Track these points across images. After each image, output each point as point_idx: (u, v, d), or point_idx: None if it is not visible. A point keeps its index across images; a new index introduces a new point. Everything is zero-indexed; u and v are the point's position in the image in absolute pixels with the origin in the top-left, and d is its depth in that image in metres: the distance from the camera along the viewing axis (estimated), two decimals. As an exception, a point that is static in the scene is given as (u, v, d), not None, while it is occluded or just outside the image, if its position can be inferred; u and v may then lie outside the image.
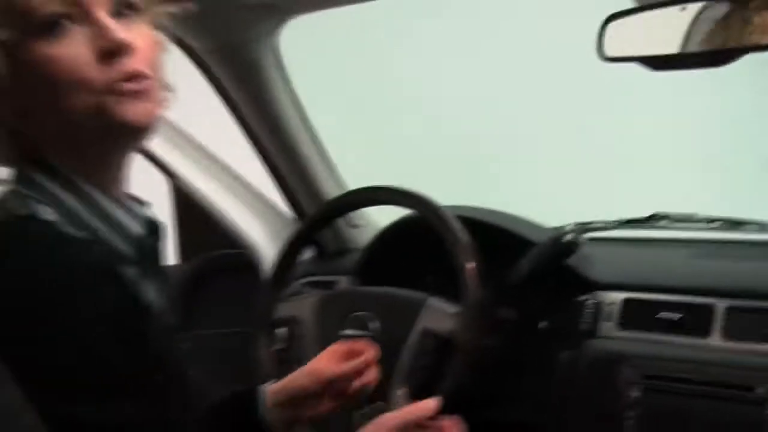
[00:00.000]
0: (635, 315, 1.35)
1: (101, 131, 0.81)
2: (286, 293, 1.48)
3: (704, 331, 1.28)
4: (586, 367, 1.34)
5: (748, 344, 1.23)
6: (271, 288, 1.46)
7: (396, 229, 1.61)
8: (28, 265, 0.77)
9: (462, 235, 1.29)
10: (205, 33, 1.47)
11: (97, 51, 0.79)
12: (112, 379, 0.76)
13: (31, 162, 0.84)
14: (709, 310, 1.29)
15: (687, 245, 1.64)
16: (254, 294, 1.54)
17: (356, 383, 1.13)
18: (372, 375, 1.14)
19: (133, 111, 0.80)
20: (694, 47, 1.13)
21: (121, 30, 0.79)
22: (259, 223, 1.89)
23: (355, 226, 1.84)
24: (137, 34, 0.82)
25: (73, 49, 0.78)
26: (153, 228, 0.89)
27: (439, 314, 1.28)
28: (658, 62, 1.18)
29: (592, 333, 1.36)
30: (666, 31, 1.14)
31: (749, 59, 1.08)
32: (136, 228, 0.86)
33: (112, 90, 0.79)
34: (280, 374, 1.17)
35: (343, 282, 1.65)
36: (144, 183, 0.96)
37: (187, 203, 1.94)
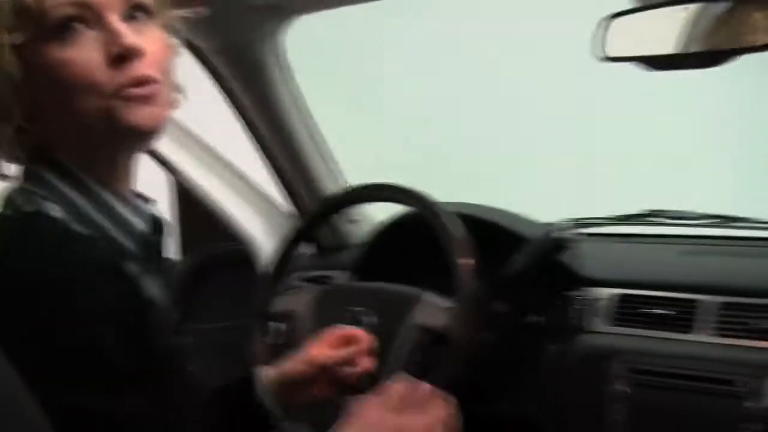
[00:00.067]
0: (625, 311, 1.37)
1: (109, 134, 0.82)
2: (283, 288, 1.51)
3: (691, 327, 1.30)
4: (577, 361, 1.36)
5: (733, 340, 1.26)
6: (269, 282, 1.48)
7: (392, 225, 1.63)
8: (34, 261, 0.78)
9: (457, 231, 1.31)
10: (211, 34, 1.49)
11: (108, 55, 0.80)
12: (117, 373, 0.77)
13: (39, 160, 0.85)
14: (696, 306, 1.31)
15: (678, 242, 1.66)
16: (253, 288, 1.57)
17: (351, 370, 1.15)
18: (367, 363, 1.15)
19: (140, 115, 0.81)
20: (693, 47, 1.14)
21: (131, 34, 0.81)
22: (259, 219, 1.91)
23: (352, 222, 1.86)
24: (148, 38, 0.83)
25: (85, 53, 0.80)
26: (157, 225, 0.90)
27: (434, 309, 1.30)
28: (657, 62, 1.19)
29: (582, 328, 1.39)
30: (665, 30, 1.15)
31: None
32: (140, 225, 0.87)
33: (120, 95, 0.80)
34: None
35: (340, 277, 1.67)
36: (145, 178, 0.98)
37: (187, 198, 1.96)
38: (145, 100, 0.81)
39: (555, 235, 1.39)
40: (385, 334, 1.28)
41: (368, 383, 1.17)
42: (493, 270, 1.41)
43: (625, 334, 1.35)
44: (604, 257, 1.54)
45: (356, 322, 1.33)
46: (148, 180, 0.95)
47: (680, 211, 1.70)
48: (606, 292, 1.41)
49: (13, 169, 0.87)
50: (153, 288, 0.90)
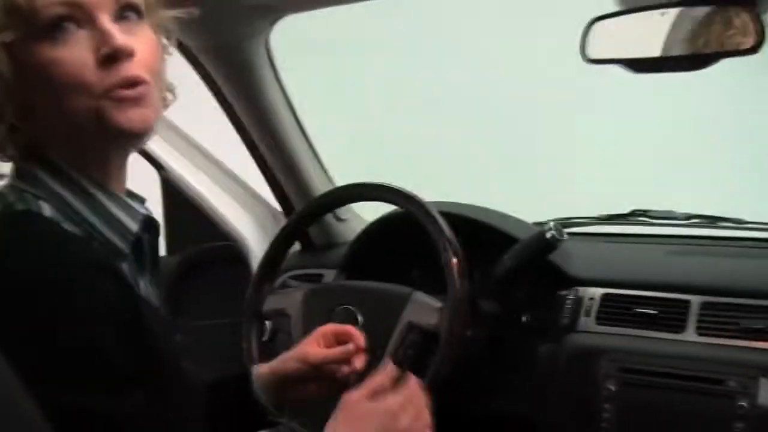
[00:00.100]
0: (613, 310, 1.38)
1: (99, 134, 0.82)
2: (274, 286, 1.51)
3: (679, 326, 1.31)
4: (566, 360, 1.37)
5: (721, 339, 1.27)
6: (259, 280, 1.48)
7: (382, 224, 1.63)
8: (25, 261, 0.78)
9: (447, 231, 1.31)
10: (199, 32, 1.49)
11: (98, 56, 0.80)
12: (116, 373, 0.78)
13: (31, 157, 0.85)
14: (684, 305, 1.32)
15: (665, 241, 1.67)
16: (242, 286, 1.57)
17: (345, 369, 1.15)
18: (360, 361, 1.15)
19: (129, 117, 0.81)
20: (674, 51, 1.16)
21: (121, 35, 0.81)
22: (248, 217, 1.91)
23: (341, 220, 1.86)
24: (139, 38, 0.83)
25: (75, 53, 0.80)
26: (149, 225, 0.90)
27: (424, 308, 1.30)
28: (639, 65, 1.20)
29: (571, 327, 1.39)
30: (648, 34, 1.17)
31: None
32: (132, 225, 0.87)
33: (110, 95, 0.81)
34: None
35: (330, 276, 1.67)
36: (134, 175, 0.98)
37: (176, 195, 1.95)
38: (135, 101, 0.82)
39: (543, 235, 1.39)
40: (375, 333, 1.28)
41: (360, 381, 1.17)
42: (483, 269, 1.42)
43: (614, 333, 1.36)
44: (592, 257, 1.55)
45: (347, 321, 1.33)
46: (136, 177, 0.94)
47: (665, 211, 1.72)
48: (594, 291, 1.41)
49: (5, 167, 0.87)
50: (146, 287, 0.90)
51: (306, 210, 1.56)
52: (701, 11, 1.15)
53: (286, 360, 1.15)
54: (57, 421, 0.71)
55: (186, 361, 0.92)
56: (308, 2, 1.47)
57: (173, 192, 1.96)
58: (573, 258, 1.49)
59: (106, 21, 0.81)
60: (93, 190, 0.85)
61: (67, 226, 0.83)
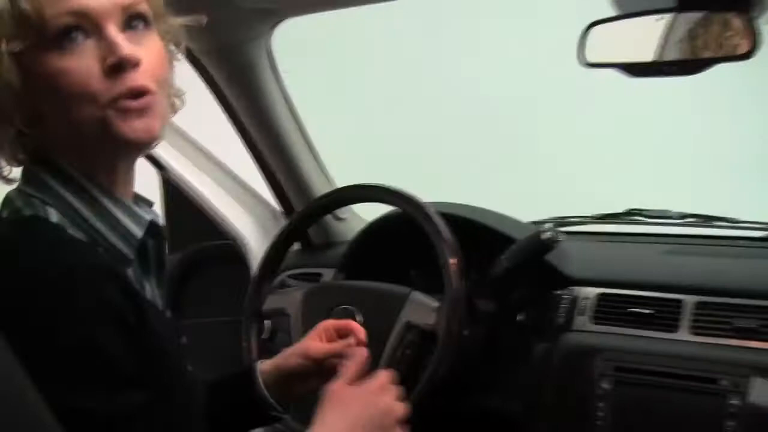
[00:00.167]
0: (608, 309, 1.39)
1: (105, 142, 0.84)
2: (274, 285, 1.52)
3: (673, 325, 1.32)
4: (561, 359, 1.38)
5: (714, 339, 1.28)
6: (259, 280, 1.50)
7: (381, 224, 1.64)
8: (31, 265, 0.79)
9: (445, 231, 1.33)
10: (201, 35, 1.50)
11: (104, 65, 0.81)
12: (118, 374, 0.79)
13: (40, 162, 0.86)
14: (678, 305, 1.34)
15: (660, 240, 1.69)
16: (241, 285, 1.58)
17: (346, 362, 1.16)
18: (362, 355, 1.15)
19: (133, 128, 0.83)
20: (672, 53, 1.18)
21: (128, 45, 0.82)
22: (248, 216, 1.93)
23: (340, 219, 1.88)
24: (146, 48, 0.84)
25: (83, 62, 0.81)
26: (155, 230, 0.91)
27: (422, 308, 1.32)
28: (635, 69, 1.22)
29: (567, 326, 1.40)
30: (644, 39, 1.18)
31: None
32: (137, 231, 0.88)
33: (116, 105, 0.82)
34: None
35: (329, 275, 1.68)
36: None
37: (176, 195, 1.97)
38: (140, 112, 0.83)
39: (540, 236, 1.40)
40: (374, 332, 1.28)
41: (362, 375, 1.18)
42: (479, 269, 1.43)
43: (609, 332, 1.37)
44: (587, 257, 1.56)
45: (348, 318, 1.34)
46: (136, 176, 0.95)
47: (660, 210, 1.74)
48: (589, 291, 1.43)
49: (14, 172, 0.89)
50: (153, 291, 0.91)
51: (305, 211, 1.58)
52: (694, 20, 1.16)
53: (289, 356, 1.16)
54: (62, 418, 0.72)
55: (186, 359, 0.94)
56: (309, 6, 1.49)
57: (174, 191, 1.97)
58: (569, 258, 1.50)
59: (113, 31, 0.82)
60: (99, 196, 0.86)
61: (73, 232, 0.84)
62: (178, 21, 0.92)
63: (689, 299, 1.33)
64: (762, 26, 1.10)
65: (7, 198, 0.87)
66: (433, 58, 2.95)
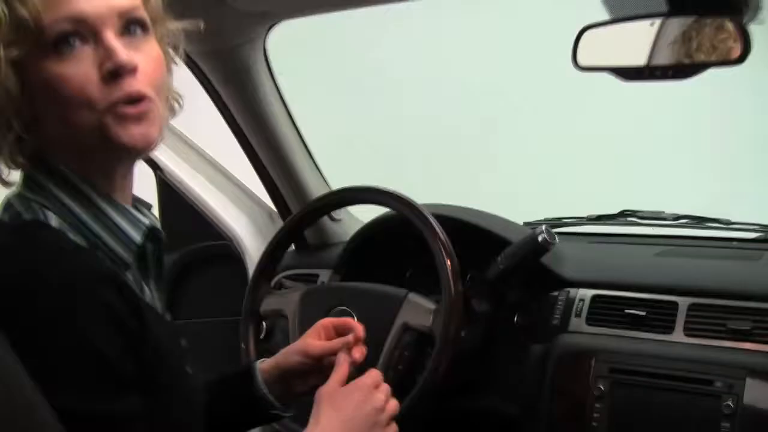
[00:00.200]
0: (603, 311, 1.40)
1: (103, 148, 0.84)
2: (270, 287, 1.53)
3: (668, 327, 1.33)
4: (557, 360, 1.39)
5: (708, 340, 1.29)
6: (257, 281, 1.50)
7: (377, 225, 1.65)
8: (31, 269, 0.79)
9: (441, 233, 1.33)
10: (197, 37, 1.50)
11: (102, 71, 0.81)
12: (117, 377, 0.79)
13: (39, 167, 0.86)
14: (672, 307, 1.35)
15: (654, 242, 1.70)
16: (237, 285, 1.58)
17: (339, 361, 1.16)
18: (360, 352, 1.14)
19: (130, 134, 0.83)
20: (664, 57, 1.18)
21: (125, 51, 0.82)
22: (243, 216, 1.93)
23: (336, 221, 1.88)
24: (143, 53, 0.84)
25: (81, 68, 0.81)
26: (153, 234, 0.92)
27: (419, 310, 1.32)
28: (628, 73, 1.22)
29: (562, 328, 1.41)
30: (636, 43, 1.19)
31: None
32: (136, 236, 0.88)
33: (113, 111, 0.82)
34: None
35: (325, 276, 1.69)
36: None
37: (172, 195, 1.97)
38: (137, 118, 0.83)
39: (535, 238, 1.41)
40: (371, 334, 1.29)
41: (360, 372, 1.18)
42: (475, 271, 1.44)
43: (604, 334, 1.38)
44: (582, 259, 1.57)
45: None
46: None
47: (654, 212, 1.75)
48: (584, 293, 1.44)
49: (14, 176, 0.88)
50: (153, 295, 0.92)
51: (302, 213, 1.58)
52: (686, 24, 1.17)
53: (288, 354, 1.16)
54: (63, 420, 0.74)
55: (186, 362, 0.94)
56: (304, 8, 1.49)
57: (170, 192, 1.97)
58: (564, 260, 1.51)
59: (110, 37, 0.82)
60: (98, 201, 0.86)
61: (73, 236, 0.84)
62: (176, 25, 0.92)
63: (683, 301, 1.34)
64: (756, 27, 1.10)
65: (7, 202, 0.88)
66: (431, 58, 2.96)
